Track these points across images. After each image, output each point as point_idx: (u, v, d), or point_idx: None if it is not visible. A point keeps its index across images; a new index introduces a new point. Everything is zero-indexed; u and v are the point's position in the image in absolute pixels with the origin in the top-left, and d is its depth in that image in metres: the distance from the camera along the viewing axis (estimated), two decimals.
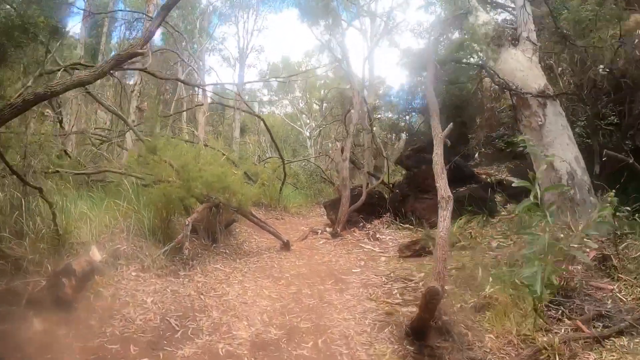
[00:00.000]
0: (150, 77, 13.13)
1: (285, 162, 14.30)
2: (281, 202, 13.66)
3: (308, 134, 27.77)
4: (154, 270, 5.99)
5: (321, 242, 9.16)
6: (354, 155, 14.17)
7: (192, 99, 20.09)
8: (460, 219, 8.60)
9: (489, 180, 10.98)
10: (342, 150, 11.22)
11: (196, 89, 14.25)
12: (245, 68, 25.78)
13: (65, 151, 8.79)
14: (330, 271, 6.98)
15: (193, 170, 7.42)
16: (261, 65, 31.99)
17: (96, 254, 5.38)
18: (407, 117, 17.47)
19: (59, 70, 8.05)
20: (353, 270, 6.98)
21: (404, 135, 17.46)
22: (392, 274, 6.61)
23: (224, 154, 10.87)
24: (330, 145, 25.83)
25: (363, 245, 8.77)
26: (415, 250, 7.57)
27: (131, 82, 14.97)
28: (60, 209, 5.94)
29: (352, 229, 9.85)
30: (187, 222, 6.61)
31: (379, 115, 18.55)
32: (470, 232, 8.03)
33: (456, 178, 9.39)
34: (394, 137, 18.70)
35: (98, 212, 6.59)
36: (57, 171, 7.11)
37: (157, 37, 20.13)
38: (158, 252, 6.28)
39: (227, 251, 7.76)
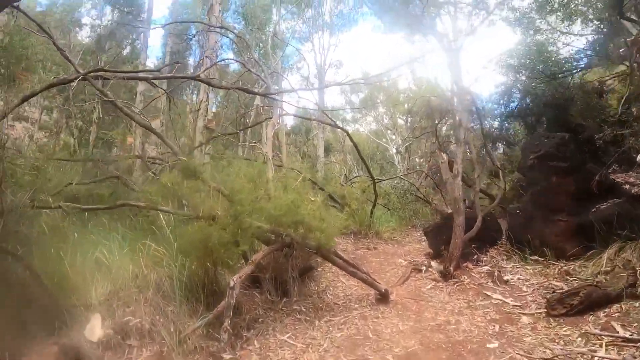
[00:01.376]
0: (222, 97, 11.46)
1: (376, 180, 12.19)
2: (372, 227, 11.46)
3: (395, 150, 25.81)
4: (180, 357, 4.00)
5: (429, 287, 6.78)
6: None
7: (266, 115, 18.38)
8: (611, 248, 6.25)
9: (634, 191, 8.22)
10: (451, 165, 8.68)
11: (273, 103, 12.24)
12: (324, 83, 23.94)
13: None
14: (452, 346, 4.55)
15: (247, 199, 5.38)
16: (340, 79, 30.19)
17: (94, 331, 3.51)
18: (506, 124, 14.76)
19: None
20: (488, 346, 4.46)
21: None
22: (551, 353, 4.15)
23: (299, 173, 8.78)
24: (417, 160, 24.03)
25: (488, 292, 6.24)
26: (573, 306, 4.97)
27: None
28: (70, 254, 4.54)
29: (465, 264, 7.41)
30: (231, 283, 4.45)
31: (472, 124, 16.20)
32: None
33: (590, 190, 7.03)
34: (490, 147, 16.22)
35: (121, 258, 4.96)
36: (59, 206, 5.40)
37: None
38: (191, 326, 4.26)
39: (302, 308, 5.73)
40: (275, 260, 5.81)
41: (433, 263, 7.82)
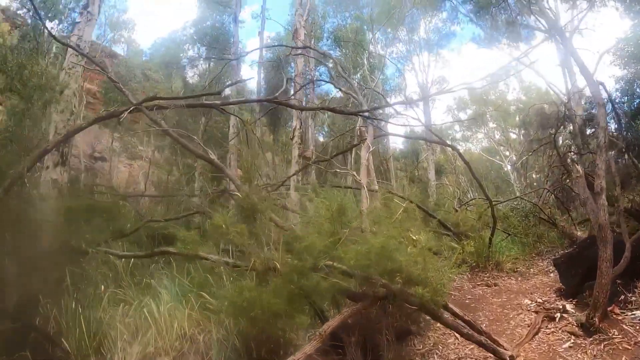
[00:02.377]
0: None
1: (493, 202, 10.78)
2: (492, 257, 10.04)
3: (510, 167, 24.00)
4: None
5: (567, 345, 5.28)
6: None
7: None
8: None
9: None
10: (588, 179, 7.07)
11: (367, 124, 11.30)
12: (429, 103, 22.71)
13: None
14: None
15: (316, 246, 4.43)
16: (447, 100, 28.97)
17: None
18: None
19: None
20: None
21: None
22: None
23: (404, 200, 7.64)
24: (534, 176, 22.02)
25: None
26: None
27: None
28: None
29: (610, 308, 5.85)
30: None
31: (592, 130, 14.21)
32: None
33: None
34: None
35: (170, 311, 4.45)
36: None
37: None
38: None
39: None
40: (365, 317, 4.73)
41: (568, 306, 6.38)
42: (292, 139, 11.37)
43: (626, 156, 9.62)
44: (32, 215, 5.46)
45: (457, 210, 13.18)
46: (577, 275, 6.92)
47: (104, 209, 7.98)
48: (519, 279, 9.35)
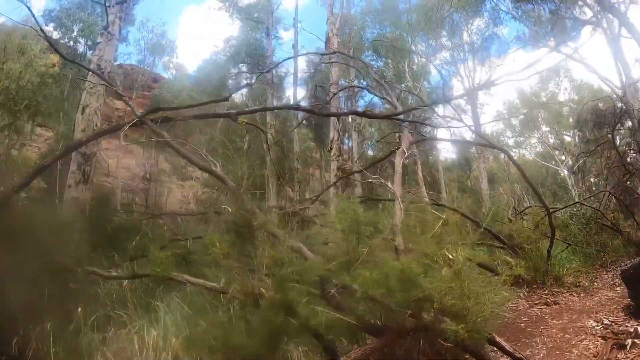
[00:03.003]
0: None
1: (551, 210, 9.90)
2: (551, 271, 9.00)
3: (567, 172, 22.85)
4: None
5: None
6: None
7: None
8: None
9: None
10: None
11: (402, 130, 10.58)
12: (478, 109, 21.73)
13: None
14: None
15: (318, 266, 3.80)
16: (496, 105, 27.97)
17: None
18: None
19: None
20: None
21: None
22: None
23: (448, 208, 6.90)
24: (592, 180, 20.69)
25: None
26: None
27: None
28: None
29: None
30: None
31: None
32: None
33: None
34: None
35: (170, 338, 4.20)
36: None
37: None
38: None
39: None
40: (390, 354, 4.01)
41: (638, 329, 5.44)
42: (329, 151, 10.78)
43: None
44: (28, 230, 5.13)
45: (511, 221, 12.17)
46: None
47: (123, 228, 7.93)
48: (582, 294, 8.37)
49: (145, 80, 27.81)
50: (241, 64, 22.72)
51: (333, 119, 12.14)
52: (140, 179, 29.54)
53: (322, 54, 11.06)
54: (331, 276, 3.93)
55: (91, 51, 20.03)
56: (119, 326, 4.63)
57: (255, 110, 8.01)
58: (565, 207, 13.46)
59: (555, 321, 6.77)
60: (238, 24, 22.98)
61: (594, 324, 6.29)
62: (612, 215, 12.57)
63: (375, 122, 23.66)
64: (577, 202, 13.80)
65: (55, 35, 23.53)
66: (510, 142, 28.78)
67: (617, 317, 6.44)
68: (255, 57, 21.41)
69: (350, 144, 21.69)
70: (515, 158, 28.07)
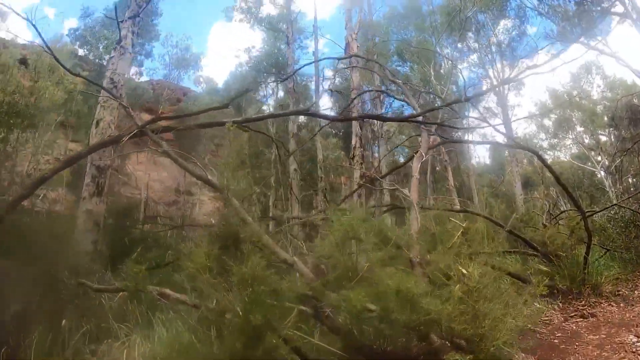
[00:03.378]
0: None
1: (587, 213, 9.11)
2: (587, 280, 8.28)
3: (603, 173, 22.42)
4: None
5: None
6: None
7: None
8: None
9: None
10: None
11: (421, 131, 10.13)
12: (509, 110, 21.01)
13: None
14: None
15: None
16: (528, 106, 27.21)
17: None
18: None
19: None
20: None
21: None
22: None
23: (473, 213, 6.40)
24: (631, 180, 19.73)
25: None
26: None
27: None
28: None
29: None
30: None
31: None
32: None
33: None
34: None
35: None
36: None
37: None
38: None
39: None
40: None
41: None
42: (352, 159, 10.35)
43: None
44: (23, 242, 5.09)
45: (545, 226, 11.50)
46: None
47: (140, 240, 7.99)
48: (621, 304, 7.72)
49: (172, 95, 27.99)
50: (265, 74, 22.74)
51: (355, 127, 11.77)
52: (172, 192, 29.77)
53: (339, 58, 10.64)
54: (317, 295, 3.49)
55: None
56: (114, 339, 4.53)
57: (261, 118, 7.75)
58: (602, 210, 12.65)
59: (592, 336, 6.18)
60: (260, 34, 23.07)
61: (635, 340, 5.69)
62: None
63: (407, 129, 23.18)
64: (614, 205, 12.99)
65: (82, 52, 23.98)
66: (544, 144, 27.90)
67: None
68: (277, 66, 21.42)
69: (379, 151, 21.27)
70: (549, 161, 27.48)
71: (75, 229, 8.64)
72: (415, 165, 7.27)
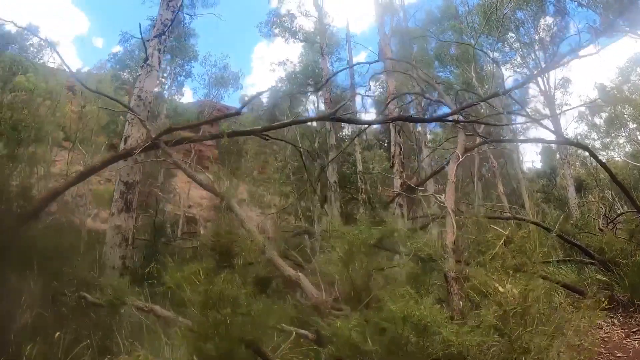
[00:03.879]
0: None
1: None
2: None
3: None
4: None
5: None
6: None
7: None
8: None
9: None
10: None
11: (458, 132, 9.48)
12: (557, 109, 19.94)
13: None
14: None
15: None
16: (575, 104, 25.85)
17: None
18: None
19: None
20: None
21: None
22: None
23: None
24: None
25: None
26: None
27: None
28: None
29: None
30: None
31: None
32: None
33: None
34: None
35: None
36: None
37: None
38: None
39: None
40: None
41: None
42: (391, 167, 9.77)
43: None
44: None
45: (602, 230, 10.58)
46: None
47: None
48: None
49: (212, 113, 28.20)
50: (302, 86, 22.68)
51: (394, 136, 11.24)
52: (215, 208, 29.78)
53: (369, 62, 10.16)
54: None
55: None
56: (116, 354, 4.30)
57: (283, 125, 7.36)
58: None
59: None
60: (297, 48, 23.16)
61: None
62: None
63: (451, 134, 22.45)
64: None
65: (124, 75, 24.42)
66: (597, 144, 26.48)
67: None
68: (314, 78, 21.29)
69: (422, 159, 20.59)
70: (603, 161, 26.05)
71: (105, 244, 8.66)
72: (452, 167, 6.59)
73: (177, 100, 28.42)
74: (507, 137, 17.21)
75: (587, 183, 22.90)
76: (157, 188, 20.31)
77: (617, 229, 10.84)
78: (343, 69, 19.79)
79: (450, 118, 8.46)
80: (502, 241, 4.89)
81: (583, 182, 22.05)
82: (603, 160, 22.97)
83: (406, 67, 11.76)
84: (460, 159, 7.18)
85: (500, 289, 3.20)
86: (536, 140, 16.16)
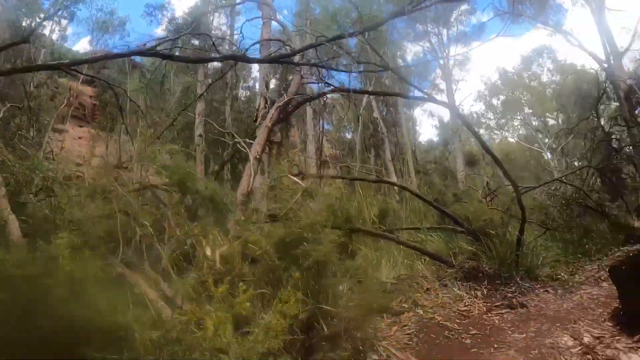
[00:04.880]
0: None
1: (525, 188, 8.81)
2: (522, 262, 6.81)
3: (549, 155, 22.57)
4: None
5: None
6: None
7: None
8: None
9: None
10: None
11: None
12: (453, 85, 19.68)
13: None
14: None
15: None
16: (477, 85, 26.24)
17: None
18: None
19: None
20: None
21: None
22: None
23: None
24: (577, 163, 18.95)
25: None
26: None
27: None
28: None
29: None
30: None
31: None
32: None
33: None
34: None
35: None
36: None
37: None
38: None
39: None
40: None
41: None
42: (255, 121, 8.50)
43: None
44: None
45: (481, 202, 10.13)
46: None
47: None
48: (559, 292, 6.28)
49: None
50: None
51: (262, 88, 9.97)
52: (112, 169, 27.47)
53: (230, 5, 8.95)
54: None
55: None
56: None
57: (95, 59, 5.98)
58: (541, 185, 11.43)
59: (517, 334, 4.62)
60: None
61: (570, 343, 4.15)
62: (597, 195, 10.54)
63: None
64: (555, 179, 11.78)
65: None
66: (492, 123, 26.92)
67: (602, 329, 4.35)
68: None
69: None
70: (496, 141, 26.53)
71: None
72: (271, 112, 5.41)
73: (62, 44, 25.05)
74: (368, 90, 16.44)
75: (478, 159, 23.19)
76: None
77: (493, 200, 10.48)
78: (216, 10, 18.29)
79: (293, 61, 7.45)
80: (299, 194, 4.00)
81: (475, 157, 22.23)
82: (496, 140, 23.07)
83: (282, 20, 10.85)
84: (284, 100, 6.11)
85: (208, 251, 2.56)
86: (385, 94, 15.57)
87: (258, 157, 4.27)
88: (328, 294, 3.18)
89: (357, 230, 6.39)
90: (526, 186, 10.00)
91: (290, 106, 7.39)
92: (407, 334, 4.66)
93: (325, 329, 2.99)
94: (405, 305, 5.36)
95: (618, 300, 4.70)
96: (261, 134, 4.71)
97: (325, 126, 21.36)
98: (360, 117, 17.85)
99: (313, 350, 3.01)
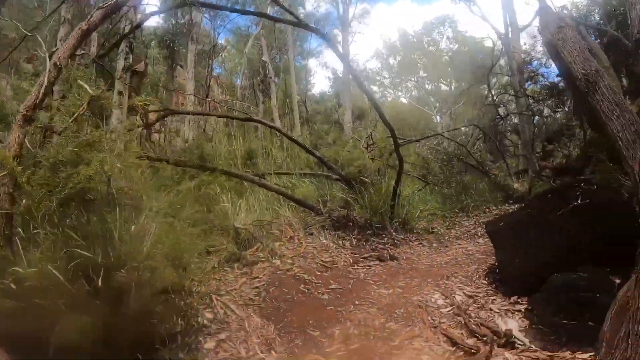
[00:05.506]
0: None
1: (402, 141, 7.78)
2: (398, 213, 6.28)
3: (439, 119, 22.28)
4: None
5: None
6: None
7: None
8: None
9: None
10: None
11: None
12: (350, 37, 18.86)
13: None
14: None
15: None
16: (376, 43, 25.81)
17: None
18: None
19: None
20: None
21: None
22: None
23: None
24: (464, 129, 19.31)
25: None
26: None
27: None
28: None
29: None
30: None
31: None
32: None
33: None
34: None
35: None
36: None
37: None
38: None
39: None
40: None
41: (513, 325, 2.71)
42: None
43: None
44: None
45: (361, 150, 9.46)
46: (522, 249, 3.61)
47: None
48: (434, 245, 5.80)
49: None
50: None
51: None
52: None
53: None
54: None
55: None
56: None
57: None
58: (423, 139, 11.02)
59: (383, 290, 3.92)
60: None
61: (441, 302, 3.49)
62: (480, 154, 10.36)
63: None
64: (438, 134, 11.49)
65: None
66: (387, 82, 26.74)
67: (477, 287, 3.76)
68: None
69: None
70: (389, 98, 26.44)
71: None
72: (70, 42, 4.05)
73: None
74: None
75: (368, 114, 23.09)
76: None
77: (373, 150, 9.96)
78: None
79: None
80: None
81: (365, 111, 22.04)
82: (389, 98, 22.89)
83: None
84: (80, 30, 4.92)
85: None
86: (245, 12, 14.53)
87: (59, 64, 3.07)
88: (109, 236, 2.24)
89: (209, 169, 5.52)
90: (408, 138, 9.56)
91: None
92: (256, 287, 3.79)
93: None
94: (261, 255, 4.46)
95: (494, 258, 4.16)
96: (72, 37, 3.46)
97: (218, 70, 20.00)
98: (246, 56, 16.61)
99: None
